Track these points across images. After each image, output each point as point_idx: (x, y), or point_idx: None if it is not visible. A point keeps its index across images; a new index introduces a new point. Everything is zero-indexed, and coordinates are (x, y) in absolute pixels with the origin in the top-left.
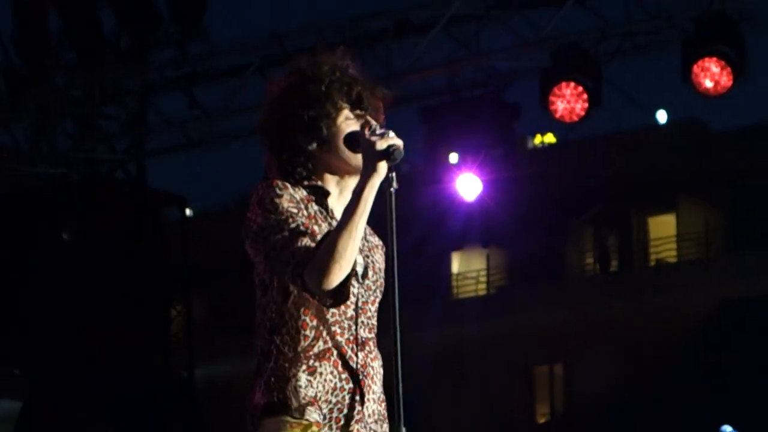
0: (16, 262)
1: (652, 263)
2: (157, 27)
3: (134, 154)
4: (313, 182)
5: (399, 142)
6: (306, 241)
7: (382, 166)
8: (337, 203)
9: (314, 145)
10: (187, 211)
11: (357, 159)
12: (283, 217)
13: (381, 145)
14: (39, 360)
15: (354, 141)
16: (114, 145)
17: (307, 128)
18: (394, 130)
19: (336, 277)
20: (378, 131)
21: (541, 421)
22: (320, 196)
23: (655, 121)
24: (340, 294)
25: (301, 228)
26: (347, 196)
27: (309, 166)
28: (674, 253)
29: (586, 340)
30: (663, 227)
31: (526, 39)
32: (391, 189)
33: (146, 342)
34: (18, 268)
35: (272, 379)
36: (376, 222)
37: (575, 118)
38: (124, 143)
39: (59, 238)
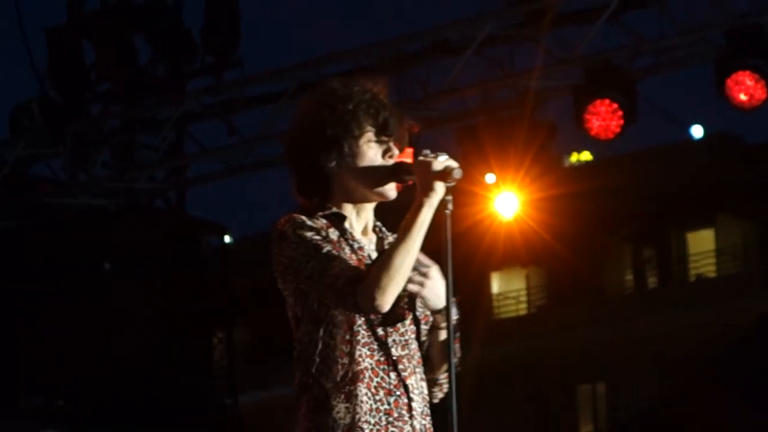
0: (59, 294)
1: (692, 278)
2: (193, 57)
3: (173, 182)
4: (328, 210)
5: (455, 163)
6: (343, 264)
7: (440, 186)
8: (355, 228)
9: (334, 164)
10: (227, 239)
11: (377, 183)
12: (312, 245)
13: (438, 165)
14: (83, 391)
15: (403, 171)
16: (153, 175)
17: (330, 146)
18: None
19: (392, 294)
20: (430, 153)
21: None
22: (337, 221)
23: (691, 136)
24: (394, 313)
25: (333, 252)
26: (364, 223)
27: (326, 188)
28: (713, 268)
29: (627, 357)
30: (701, 242)
31: (558, 57)
32: (447, 211)
33: (189, 370)
34: (61, 299)
35: (311, 412)
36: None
37: (610, 136)
38: (162, 172)
39: (101, 268)
